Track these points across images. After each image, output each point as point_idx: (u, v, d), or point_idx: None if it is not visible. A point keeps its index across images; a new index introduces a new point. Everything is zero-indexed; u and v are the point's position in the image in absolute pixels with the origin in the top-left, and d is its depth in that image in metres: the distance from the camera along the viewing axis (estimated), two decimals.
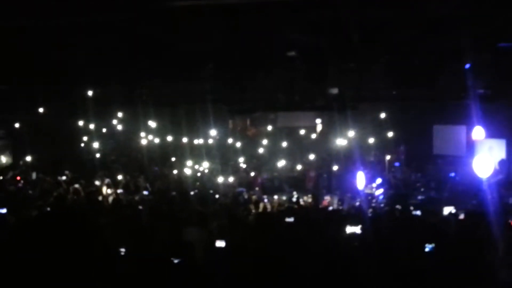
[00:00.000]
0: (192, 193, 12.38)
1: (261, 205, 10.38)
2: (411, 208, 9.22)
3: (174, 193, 11.95)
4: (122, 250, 5.18)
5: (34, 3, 7.39)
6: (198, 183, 15.23)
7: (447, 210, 8.86)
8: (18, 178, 12.71)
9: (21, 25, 8.26)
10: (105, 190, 11.70)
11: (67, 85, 12.85)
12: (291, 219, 7.57)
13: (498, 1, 7.29)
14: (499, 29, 8.68)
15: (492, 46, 9.85)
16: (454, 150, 15.48)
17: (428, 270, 5.00)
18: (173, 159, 18.22)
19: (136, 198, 11.10)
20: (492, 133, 11.69)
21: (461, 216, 8.24)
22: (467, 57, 10.07)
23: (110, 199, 10.60)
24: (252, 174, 17.55)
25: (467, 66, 10.30)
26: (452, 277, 4.82)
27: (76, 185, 11.24)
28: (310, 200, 12.81)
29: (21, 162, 14.74)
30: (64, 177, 12.90)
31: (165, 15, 7.99)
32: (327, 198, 13.95)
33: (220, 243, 5.53)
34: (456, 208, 9.08)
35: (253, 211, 10.18)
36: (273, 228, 7.00)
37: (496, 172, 10.06)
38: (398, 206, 9.68)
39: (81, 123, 16.03)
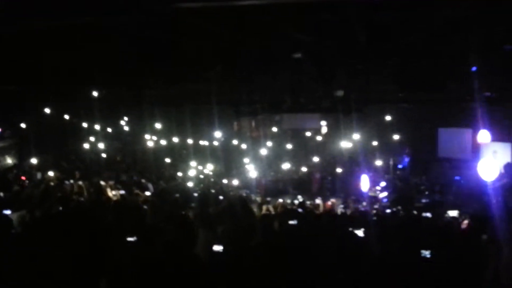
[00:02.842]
0: (195, 194, 12.39)
1: (264, 208, 10.35)
2: (415, 212, 9.20)
3: (177, 194, 11.96)
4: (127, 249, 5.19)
5: (41, 3, 7.41)
6: (202, 185, 15.25)
7: (452, 213, 8.83)
8: (23, 177, 12.76)
9: (27, 25, 8.29)
10: (109, 190, 11.72)
11: (73, 86, 12.88)
12: (294, 222, 7.56)
13: (504, 3, 7.26)
14: (506, 32, 8.64)
15: (498, 49, 9.81)
16: (459, 153, 15.42)
17: (430, 273, 4.99)
18: (178, 160, 18.25)
19: (141, 199, 11.12)
20: (498, 137, 11.66)
21: (466, 220, 8.21)
22: (473, 60, 10.03)
23: (114, 199, 10.62)
24: (256, 176, 17.56)
25: (474, 69, 10.26)
26: (454, 281, 4.80)
27: (80, 183, 11.27)
28: (314, 203, 12.81)
29: (25, 162, 14.80)
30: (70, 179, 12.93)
31: (172, 16, 7.99)
32: (332, 201, 13.95)
33: (218, 248, 5.52)
34: (460, 211, 9.06)
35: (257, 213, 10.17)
36: (275, 230, 7.00)
37: (501, 176, 10.01)
38: (400, 209, 9.67)
39: (86, 124, 16.07)
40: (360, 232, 6.34)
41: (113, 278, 4.59)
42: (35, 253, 4.56)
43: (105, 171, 15.19)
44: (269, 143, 19.42)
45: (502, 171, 10.28)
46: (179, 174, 16.84)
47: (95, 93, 13.47)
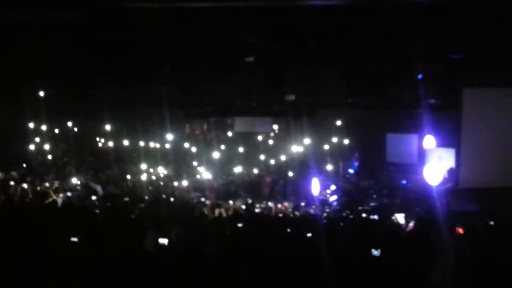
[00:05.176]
0: (146, 197, 12.19)
1: (216, 211, 10.31)
2: (364, 214, 9.39)
3: (127, 198, 11.72)
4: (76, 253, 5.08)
5: None
6: (151, 188, 15.03)
7: (398, 216, 9.06)
8: None
9: None
10: (54, 192, 11.36)
11: (18, 85, 12.46)
12: (240, 225, 7.62)
13: (450, 12, 7.52)
14: (450, 40, 8.95)
15: (442, 57, 10.15)
16: (406, 158, 15.84)
17: (376, 274, 5.09)
18: (128, 162, 17.92)
19: (88, 202, 10.83)
20: (442, 142, 12.03)
21: (411, 223, 8.44)
22: (419, 67, 10.34)
23: (60, 201, 10.29)
24: (208, 179, 17.48)
25: (419, 76, 10.57)
26: (402, 279, 4.92)
27: (24, 185, 10.88)
28: (266, 206, 12.85)
29: None
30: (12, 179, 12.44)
31: (122, 16, 7.85)
32: (285, 204, 14.04)
33: (163, 240, 5.53)
34: (407, 214, 9.30)
35: (209, 216, 10.11)
36: (226, 234, 6.99)
37: (445, 180, 10.36)
38: (349, 212, 9.83)
39: (32, 124, 15.56)
40: (309, 234, 6.42)
41: (60, 279, 4.48)
42: None
43: (51, 173, 14.73)
44: (221, 146, 19.38)
45: (446, 175, 10.63)
46: (129, 176, 16.52)
47: (41, 93, 13.06)
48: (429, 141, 11.62)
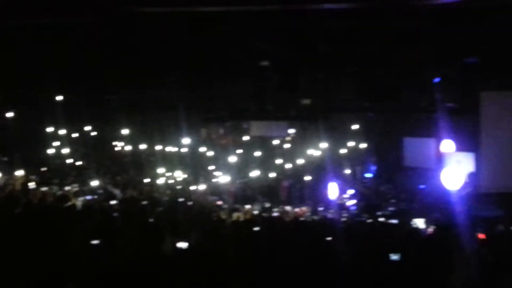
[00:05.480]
0: (164, 201, 12.25)
1: (234, 215, 10.33)
2: (382, 219, 9.32)
3: (145, 202, 11.79)
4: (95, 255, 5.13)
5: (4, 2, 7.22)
6: (169, 192, 15.10)
7: (418, 221, 8.98)
8: None
9: None
10: (73, 196, 11.47)
11: (37, 90, 12.63)
12: (258, 229, 7.61)
13: (467, 15, 7.45)
14: (467, 44, 8.88)
15: (459, 61, 10.07)
16: (424, 163, 15.69)
17: (395, 279, 5.06)
18: (146, 166, 18.04)
19: (107, 204, 10.92)
20: (461, 147, 11.91)
21: (431, 228, 8.36)
22: (436, 71, 10.26)
23: (79, 204, 10.39)
24: (225, 183, 17.51)
25: (436, 80, 10.49)
26: (419, 286, 4.88)
27: (44, 188, 11.01)
28: (284, 210, 12.84)
29: None
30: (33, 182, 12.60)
31: (135, 20, 7.92)
32: (302, 208, 14.01)
33: (182, 245, 5.55)
34: (425, 219, 9.21)
35: (227, 220, 10.13)
36: (244, 237, 6.99)
37: (465, 185, 10.24)
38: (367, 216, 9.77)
39: (51, 128, 15.73)
40: (329, 239, 6.39)
41: (80, 281, 4.52)
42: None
43: (70, 176, 14.89)
44: (238, 150, 19.40)
45: (467, 180, 10.52)
46: (147, 180, 16.63)
47: (59, 98, 13.20)
48: (447, 145, 11.51)
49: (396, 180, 16.50)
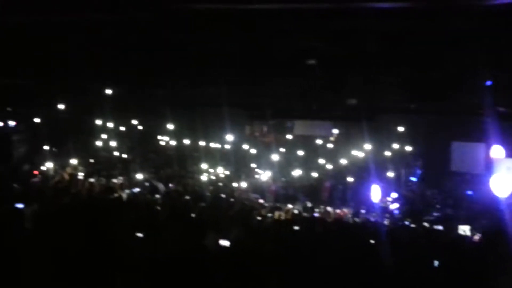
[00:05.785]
0: (207, 196, 12.41)
1: (276, 214, 10.35)
2: (427, 224, 9.14)
3: (188, 197, 11.97)
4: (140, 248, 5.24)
5: None
6: (212, 188, 15.26)
7: (464, 228, 8.76)
8: (36, 172, 12.83)
9: (40, 20, 8.33)
10: (119, 188, 11.75)
11: (85, 82, 12.95)
12: (297, 228, 7.60)
13: None
14: None
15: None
16: (473, 168, 15.29)
17: (441, 284, 4.96)
18: (189, 162, 18.28)
19: (151, 197, 11.15)
20: (511, 153, 11.56)
21: (477, 236, 8.14)
22: (488, 74, 9.96)
23: (125, 197, 10.65)
24: (267, 181, 17.56)
25: (488, 83, 10.19)
26: None
27: (92, 180, 11.32)
28: (325, 210, 12.76)
29: (36, 156, 14.87)
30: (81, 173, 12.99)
31: (185, 17, 8.01)
32: (344, 210, 13.91)
33: (225, 242, 5.60)
34: (472, 227, 8.97)
35: (268, 218, 10.16)
36: (286, 236, 7.00)
37: None
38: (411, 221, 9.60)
39: (99, 121, 16.15)
40: (372, 241, 6.32)
41: (127, 272, 4.64)
42: (48, 247, 4.61)
43: (117, 169, 15.26)
44: (281, 149, 19.40)
45: None
46: (190, 175, 16.87)
47: (108, 91, 13.51)
48: (497, 150, 11.17)
49: (442, 185, 16.11)
